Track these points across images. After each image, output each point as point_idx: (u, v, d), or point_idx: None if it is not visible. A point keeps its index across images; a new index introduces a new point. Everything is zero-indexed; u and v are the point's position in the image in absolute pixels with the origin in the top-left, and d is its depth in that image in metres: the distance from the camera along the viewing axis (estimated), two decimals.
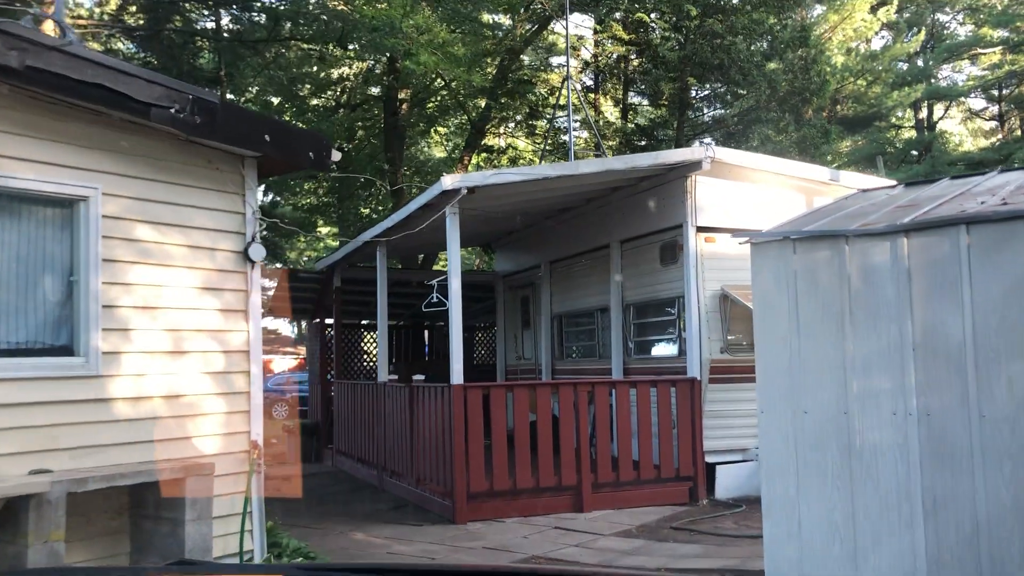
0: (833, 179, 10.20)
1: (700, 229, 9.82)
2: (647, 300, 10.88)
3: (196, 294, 5.40)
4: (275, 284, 15.73)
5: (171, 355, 5.25)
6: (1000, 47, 32.39)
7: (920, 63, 32.37)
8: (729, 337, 9.80)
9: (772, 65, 16.04)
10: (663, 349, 10.79)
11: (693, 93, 17.40)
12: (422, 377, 10.18)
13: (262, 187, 22.00)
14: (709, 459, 9.74)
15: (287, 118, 20.10)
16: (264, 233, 22.17)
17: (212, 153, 5.46)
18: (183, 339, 5.31)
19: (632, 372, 11.02)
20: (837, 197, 6.75)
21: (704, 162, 9.46)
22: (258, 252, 5.57)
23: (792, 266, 4.94)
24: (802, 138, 15.72)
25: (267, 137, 5.39)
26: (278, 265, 24.32)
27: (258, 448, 5.53)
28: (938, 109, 36.06)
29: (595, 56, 18.76)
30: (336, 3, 15.71)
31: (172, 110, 4.88)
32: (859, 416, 4.67)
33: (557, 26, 19.35)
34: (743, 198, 10.06)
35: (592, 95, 18.33)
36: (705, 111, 19.13)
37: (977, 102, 36.84)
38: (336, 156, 5.82)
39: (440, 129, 24.64)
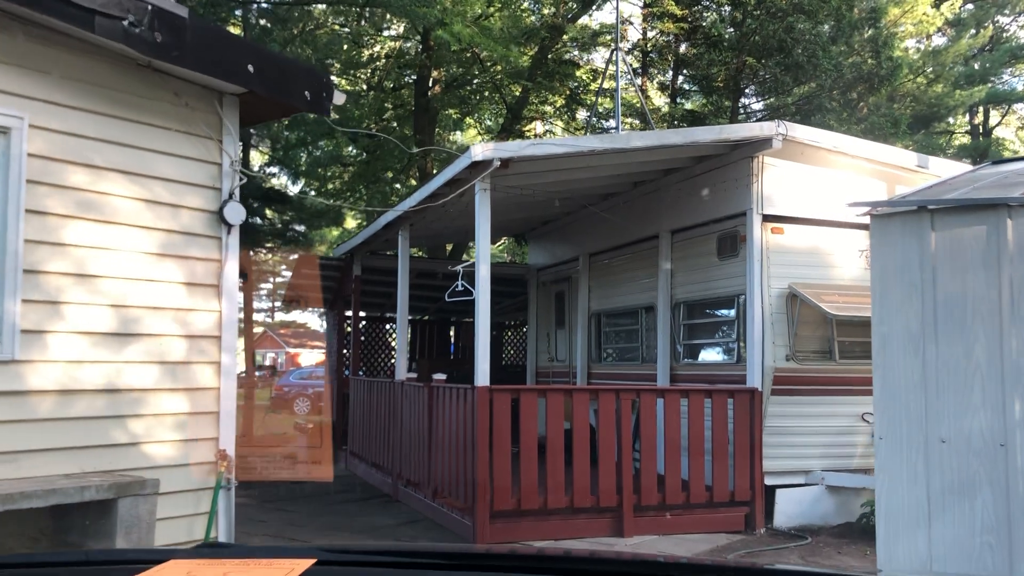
0: (921, 165, 8.89)
1: (766, 218, 8.57)
2: (700, 298, 9.64)
3: (153, 262, 4.27)
4: (292, 272, 14.69)
5: (115, 338, 4.13)
6: None
7: (976, 66, 30.72)
8: (796, 343, 8.53)
9: (836, 49, 14.71)
10: (717, 354, 9.54)
11: (748, 79, 16.12)
12: (443, 376, 9.03)
13: (260, 157, 21.00)
14: (768, 481, 8.50)
15: None
16: (291, 223, 21.25)
17: (180, 85, 4.33)
18: (132, 318, 4.19)
19: (680, 379, 9.79)
20: (959, 173, 5.47)
21: (775, 140, 8.21)
22: (236, 213, 4.44)
23: (928, 245, 3.71)
24: (869, 127, 14.38)
25: (251, 67, 4.26)
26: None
27: (227, 459, 4.40)
28: (993, 116, 34.41)
29: (644, 31, 17.50)
30: None
31: (125, 22, 3.76)
32: None
33: (604, 7, 18.15)
34: (816, 184, 8.80)
35: (640, 78, 17.10)
36: (761, 99, 17.82)
37: None
38: (340, 99, 4.68)
39: (474, 120, 23.52)
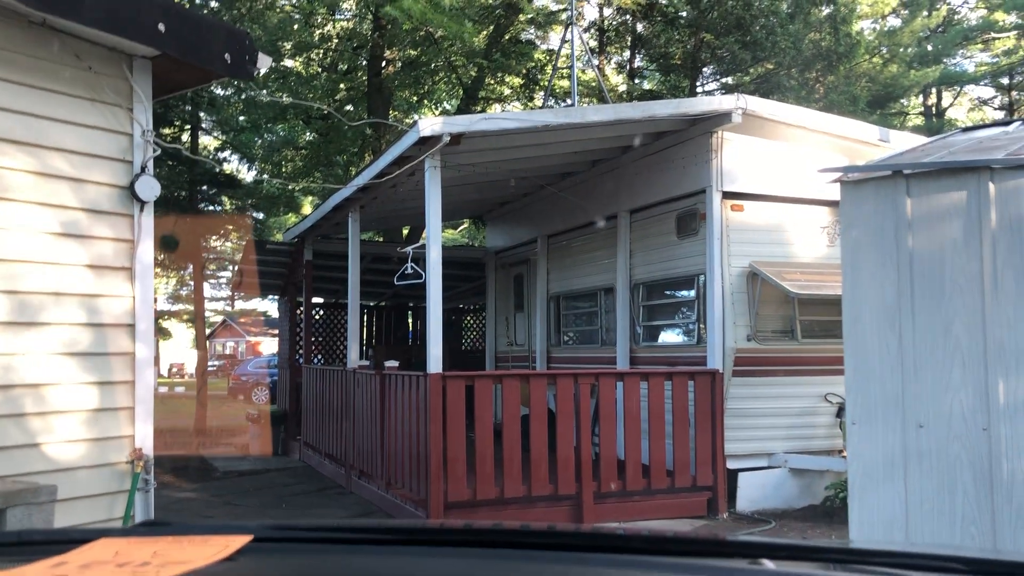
0: (883, 139, 8.68)
1: (726, 195, 8.31)
2: (660, 279, 9.37)
3: (53, 242, 3.84)
4: (241, 258, 14.16)
5: (9, 327, 3.70)
6: (1014, 32, 31.03)
7: (930, 47, 30.86)
8: (757, 323, 8.30)
9: (794, 26, 14.50)
10: (678, 336, 9.28)
11: (706, 56, 15.87)
12: (395, 363, 8.67)
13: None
14: (730, 465, 8.29)
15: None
16: (246, 210, 20.62)
17: (83, 46, 3.89)
18: (30, 305, 3.76)
19: (640, 361, 9.52)
20: (929, 140, 5.22)
21: (734, 114, 7.94)
22: (149, 188, 4.01)
23: (904, 213, 3.42)
24: (828, 106, 14.21)
25: (162, 26, 3.83)
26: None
27: (144, 458, 4.00)
28: (946, 98, 34.70)
29: (600, 9, 17.15)
30: None
31: None
32: (1009, 434, 3.17)
33: None
34: (777, 160, 8.57)
35: (597, 57, 16.78)
36: (719, 78, 17.60)
37: (985, 91, 35.41)
38: (265, 61, 4.28)
39: (430, 103, 23.05)
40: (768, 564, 1.26)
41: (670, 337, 9.47)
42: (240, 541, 1.33)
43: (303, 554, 1.40)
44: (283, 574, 1.30)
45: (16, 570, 1.18)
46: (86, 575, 1.17)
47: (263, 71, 4.27)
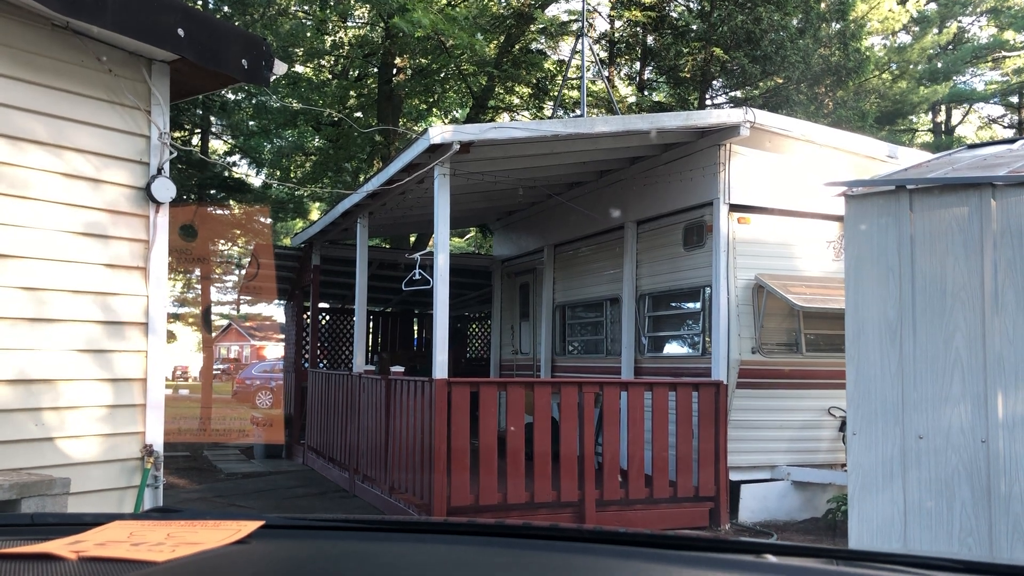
0: (891, 156, 8.73)
1: (733, 208, 8.37)
2: (666, 290, 9.42)
3: (71, 241, 3.91)
4: (248, 262, 14.25)
5: (26, 323, 3.77)
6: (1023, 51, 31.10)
7: (940, 64, 30.90)
8: (762, 335, 8.34)
9: (804, 41, 14.58)
10: (683, 347, 9.33)
11: (715, 70, 15.95)
12: (401, 369, 8.73)
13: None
14: (733, 476, 8.32)
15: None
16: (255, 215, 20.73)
17: (104, 50, 3.97)
18: (47, 303, 3.83)
19: (644, 371, 9.57)
20: (934, 156, 5.27)
21: (742, 127, 8.00)
22: (165, 189, 4.09)
23: (906, 227, 3.48)
24: (836, 121, 14.27)
25: (182, 32, 3.91)
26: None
27: (154, 455, 4.07)
28: (955, 115, 34.74)
29: (611, 20, 17.26)
30: None
31: None
32: (1007, 447, 3.21)
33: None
34: (784, 173, 8.62)
35: (607, 68, 16.88)
36: (728, 92, 17.68)
37: (995, 109, 35.40)
38: (281, 67, 4.36)
39: (439, 111, 23.17)
40: (771, 559, 1.30)
41: (675, 348, 9.51)
42: (252, 526, 1.38)
43: (312, 539, 1.45)
44: (293, 556, 1.33)
45: (35, 546, 1.23)
46: (103, 552, 1.21)
47: (278, 77, 4.35)
